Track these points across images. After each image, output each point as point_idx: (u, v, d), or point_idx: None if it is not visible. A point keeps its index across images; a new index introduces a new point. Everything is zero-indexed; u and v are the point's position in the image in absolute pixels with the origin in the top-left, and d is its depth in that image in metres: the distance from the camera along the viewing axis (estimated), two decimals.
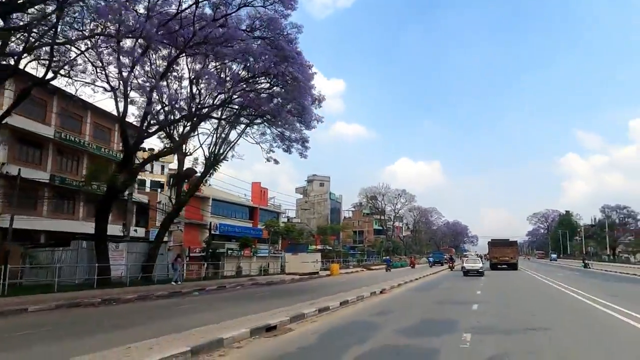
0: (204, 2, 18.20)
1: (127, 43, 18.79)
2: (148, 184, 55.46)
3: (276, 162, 26.20)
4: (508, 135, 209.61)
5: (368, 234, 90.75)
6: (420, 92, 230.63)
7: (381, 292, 18.17)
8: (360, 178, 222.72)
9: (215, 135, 26.68)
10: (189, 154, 27.70)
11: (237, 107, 24.22)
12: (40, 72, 17.85)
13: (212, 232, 36.33)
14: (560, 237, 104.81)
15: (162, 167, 58.26)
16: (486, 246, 51.73)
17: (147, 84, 20.23)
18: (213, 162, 26.60)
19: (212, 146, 26.63)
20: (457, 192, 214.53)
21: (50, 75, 17.48)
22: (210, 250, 32.56)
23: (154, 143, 70.56)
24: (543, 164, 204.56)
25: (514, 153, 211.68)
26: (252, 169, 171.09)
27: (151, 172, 54.92)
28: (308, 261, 32.31)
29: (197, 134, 26.60)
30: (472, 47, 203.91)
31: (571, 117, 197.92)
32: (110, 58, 18.58)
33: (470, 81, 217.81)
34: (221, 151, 26.73)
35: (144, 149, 28.67)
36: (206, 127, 32.19)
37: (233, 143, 26.94)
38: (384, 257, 57.15)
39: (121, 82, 19.05)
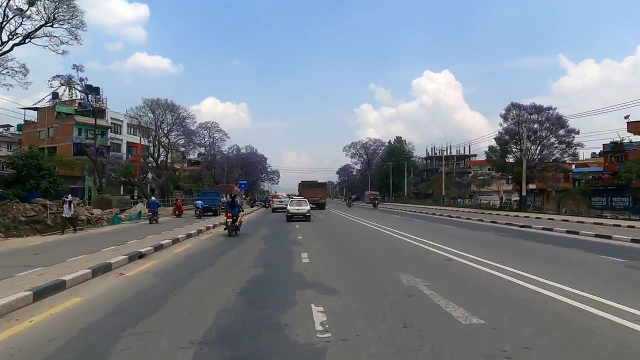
0: None
1: None
2: None
3: None
4: (312, 84, 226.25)
5: (65, 150, 46.32)
6: (230, 31, 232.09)
7: None
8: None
9: None
10: None
11: None
12: None
13: None
14: (391, 171, 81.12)
15: None
16: (288, 187, 52.88)
17: None
18: None
19: None
20: (262, 134, 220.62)
21: None
22: None
23: None
24: (342, 112, 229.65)
25: (316, 101, 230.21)
26: None
27: None
28: None
29: None
30: None
31: (368, 71, 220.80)
32: None
33: (278, 24, 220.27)
34: None
35: None
36: None
37: None
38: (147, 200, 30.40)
39: None
